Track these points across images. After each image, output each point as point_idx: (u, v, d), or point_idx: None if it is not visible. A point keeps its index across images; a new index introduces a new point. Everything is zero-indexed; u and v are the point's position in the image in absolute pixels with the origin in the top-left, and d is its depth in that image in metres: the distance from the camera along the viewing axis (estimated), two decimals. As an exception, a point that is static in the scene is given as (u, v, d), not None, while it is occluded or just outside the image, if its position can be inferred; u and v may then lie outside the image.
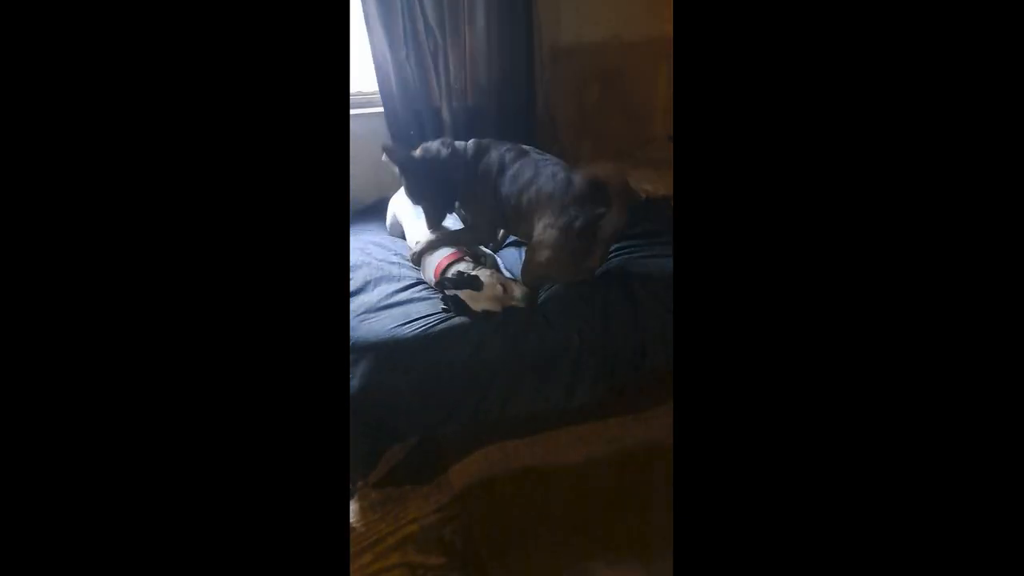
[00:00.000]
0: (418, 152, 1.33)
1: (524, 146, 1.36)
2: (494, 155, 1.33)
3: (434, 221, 1.39)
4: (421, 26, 1.59)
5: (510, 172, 1.30)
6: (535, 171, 1.28)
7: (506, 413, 1.22)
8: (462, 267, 1.29)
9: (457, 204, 1.41)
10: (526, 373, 1.20)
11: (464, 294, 1.22)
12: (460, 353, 1.16)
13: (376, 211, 1.74)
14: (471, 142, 1.35)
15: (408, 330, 1.17)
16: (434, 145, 1.33)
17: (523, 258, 1.32)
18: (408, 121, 1.73)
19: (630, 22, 1.90)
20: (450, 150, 1.32)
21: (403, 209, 1.53)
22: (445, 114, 1.75)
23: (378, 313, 1.23)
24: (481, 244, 1.47)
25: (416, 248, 1.41)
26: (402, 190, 1.44)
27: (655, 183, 1.78)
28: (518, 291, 1.26)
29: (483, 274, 1.25)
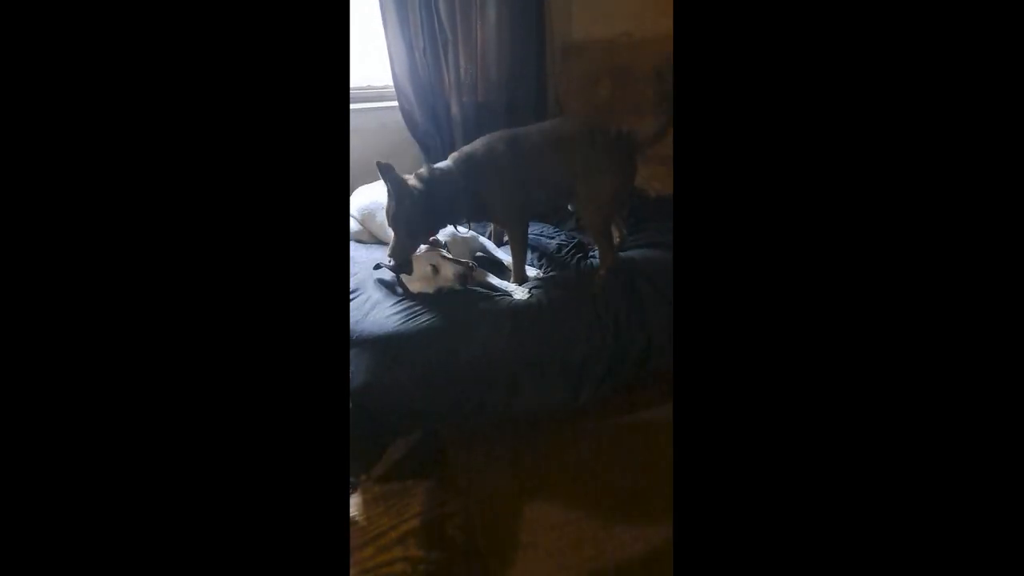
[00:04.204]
0: (417, 181, 1.18)
1: (506, 130, 1.31)
2: (499, 148, 1.27)
3: (404, 251, 1.20)
4: (435, 20, 1.58)
5: (519, 149, 1.27)
6: (539, 129, 1.32)
7: (509, 409, 1.22)
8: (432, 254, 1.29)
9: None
10: (531, 369, 1.19)
11: (403, 277, 1.26)
12: (464, 348, 1.16)
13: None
14: (454, 160, 1.26)
15: (411, 324, 1.17)
16: (424, 174, 1.20)
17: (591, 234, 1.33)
18: (422, 114, 1.72)
19: (641, 19, 1.89)
20: (440, 172, 1.21)
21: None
22: (455, 110, 1.75)
23: (380, 307, 1.23)
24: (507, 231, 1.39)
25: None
26: (361, 192, 1.50)
27: (664, 181, 1.76)
28: (451, 270, 1.24)
29: (416, 258, 1.25)
